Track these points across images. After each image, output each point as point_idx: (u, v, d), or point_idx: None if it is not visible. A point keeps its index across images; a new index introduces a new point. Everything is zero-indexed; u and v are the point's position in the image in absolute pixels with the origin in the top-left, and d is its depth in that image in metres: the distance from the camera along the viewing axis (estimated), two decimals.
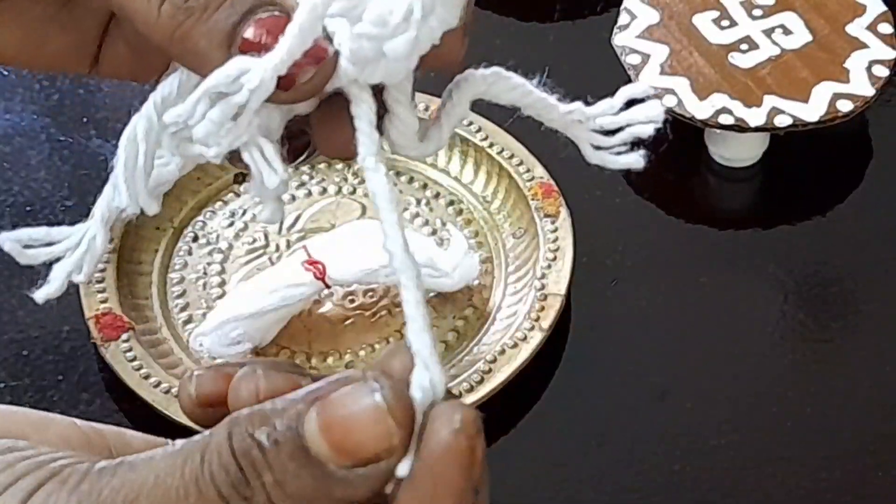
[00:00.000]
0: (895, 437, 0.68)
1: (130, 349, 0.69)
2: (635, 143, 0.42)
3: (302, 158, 0.40)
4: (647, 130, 0.41)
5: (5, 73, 0.83)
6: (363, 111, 0.37)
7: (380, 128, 0.38)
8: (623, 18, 0.78)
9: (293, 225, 0.75)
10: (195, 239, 0.75)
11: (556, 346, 0.70)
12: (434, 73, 0.39)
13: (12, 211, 0.77)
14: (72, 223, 0.76)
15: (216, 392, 0.39)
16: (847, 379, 0.71)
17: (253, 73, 0.36)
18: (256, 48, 0.36)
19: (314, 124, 0.39)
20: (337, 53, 0.37)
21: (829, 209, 0.77)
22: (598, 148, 0.42)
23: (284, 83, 0.36)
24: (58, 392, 0.70)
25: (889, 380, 0.70)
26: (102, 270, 0.71)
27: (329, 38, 0.37)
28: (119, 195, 0.40)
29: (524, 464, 0.68)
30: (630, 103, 0.42)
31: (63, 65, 0.43)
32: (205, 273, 0.74)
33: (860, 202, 0.77)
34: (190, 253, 0.74)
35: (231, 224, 0.75)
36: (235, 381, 0.39)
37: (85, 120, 0.81)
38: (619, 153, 0.42)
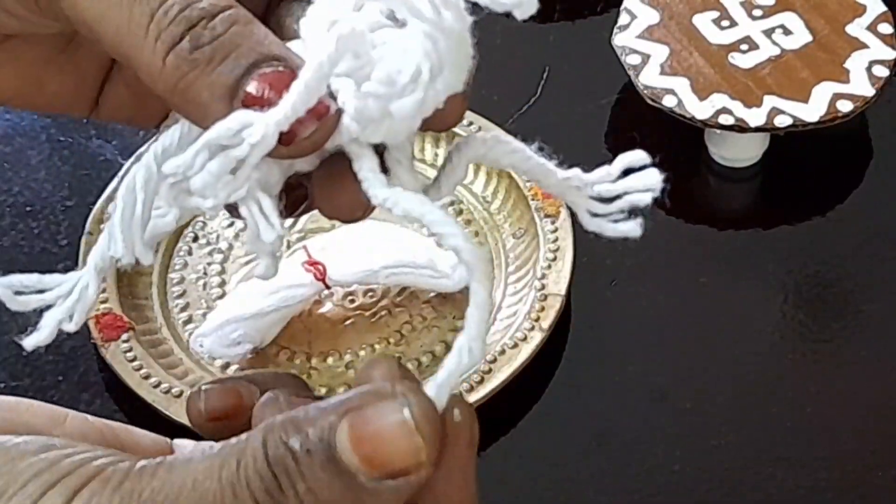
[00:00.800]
0: (895, 437, 0.68)
1: (130, 349, 0.69)
2: (632, 212, 0.42)
3: (300, 211, 0.40)
4: (645, 199, 0.41)
5: None
6: (365, 164, 0.37)
7: None
8: (623, 18, 0.78)
9: (293, 225, 0.75)
10: (195, 239, 0.75)
11: (556, 346, 0.70)
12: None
13: (12, 211, 0.77)
14: (71, 223, 0.76)
15: (225, 407, 0.41)
16: (847, 379, 0.70)
17: (255, 128, 0.36)
18: (259, 103, 0.36)
19: (315, 184, 0.39)
20: (339, 111, 0.36)
21: (829, 209, 0.77)
22: (595, 215, 0.42)
23: (286, 138, 0.36)
24: (58, 392, 0.70)
25: (889, 380, 0.70)
26: None
27: (333, 96, 0.37)
28: (115, 244, 0.40)
29: (524, 464, 0.68)
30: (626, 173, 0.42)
31: (62, 107, 0.43)
32: (205, 273, 0.74)
33: (860, 202, 0.77)
34: (190, 253, 0.75)
35: (231, 224, 0.75)
36: (258, 409, 0.40)
37: (85, 120, 0.81)
38: (616, 221, 0.42)
